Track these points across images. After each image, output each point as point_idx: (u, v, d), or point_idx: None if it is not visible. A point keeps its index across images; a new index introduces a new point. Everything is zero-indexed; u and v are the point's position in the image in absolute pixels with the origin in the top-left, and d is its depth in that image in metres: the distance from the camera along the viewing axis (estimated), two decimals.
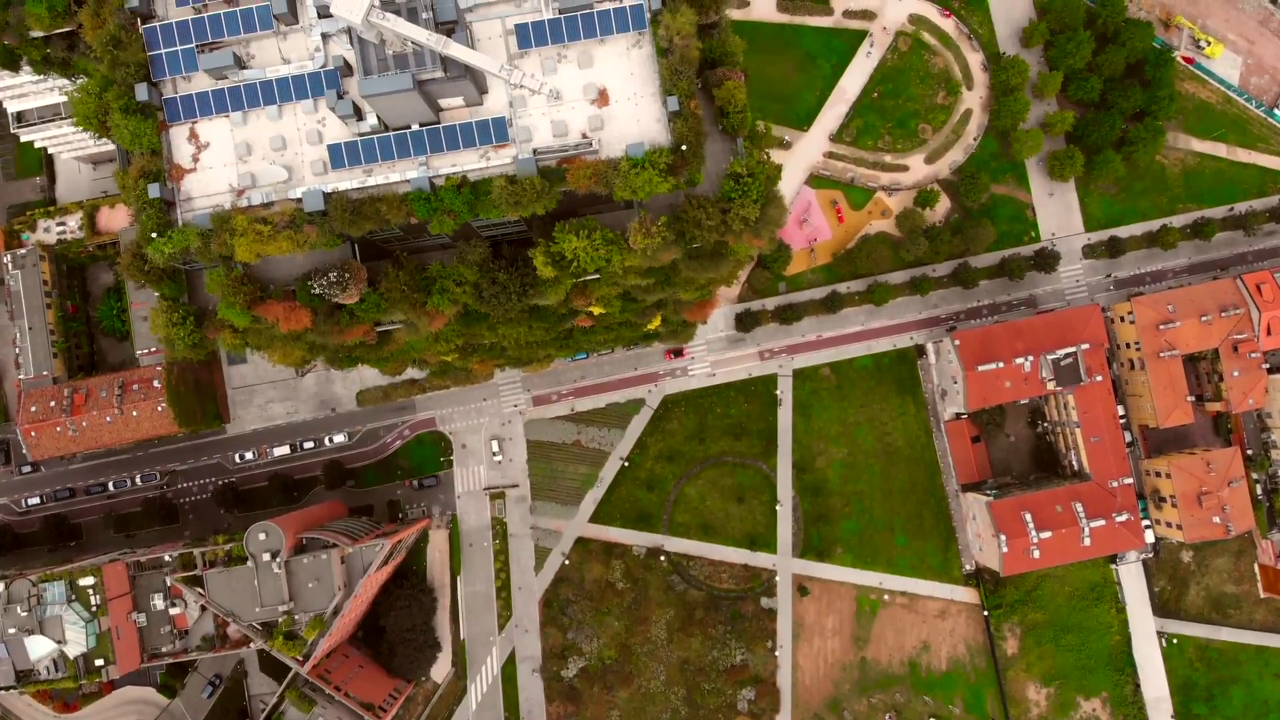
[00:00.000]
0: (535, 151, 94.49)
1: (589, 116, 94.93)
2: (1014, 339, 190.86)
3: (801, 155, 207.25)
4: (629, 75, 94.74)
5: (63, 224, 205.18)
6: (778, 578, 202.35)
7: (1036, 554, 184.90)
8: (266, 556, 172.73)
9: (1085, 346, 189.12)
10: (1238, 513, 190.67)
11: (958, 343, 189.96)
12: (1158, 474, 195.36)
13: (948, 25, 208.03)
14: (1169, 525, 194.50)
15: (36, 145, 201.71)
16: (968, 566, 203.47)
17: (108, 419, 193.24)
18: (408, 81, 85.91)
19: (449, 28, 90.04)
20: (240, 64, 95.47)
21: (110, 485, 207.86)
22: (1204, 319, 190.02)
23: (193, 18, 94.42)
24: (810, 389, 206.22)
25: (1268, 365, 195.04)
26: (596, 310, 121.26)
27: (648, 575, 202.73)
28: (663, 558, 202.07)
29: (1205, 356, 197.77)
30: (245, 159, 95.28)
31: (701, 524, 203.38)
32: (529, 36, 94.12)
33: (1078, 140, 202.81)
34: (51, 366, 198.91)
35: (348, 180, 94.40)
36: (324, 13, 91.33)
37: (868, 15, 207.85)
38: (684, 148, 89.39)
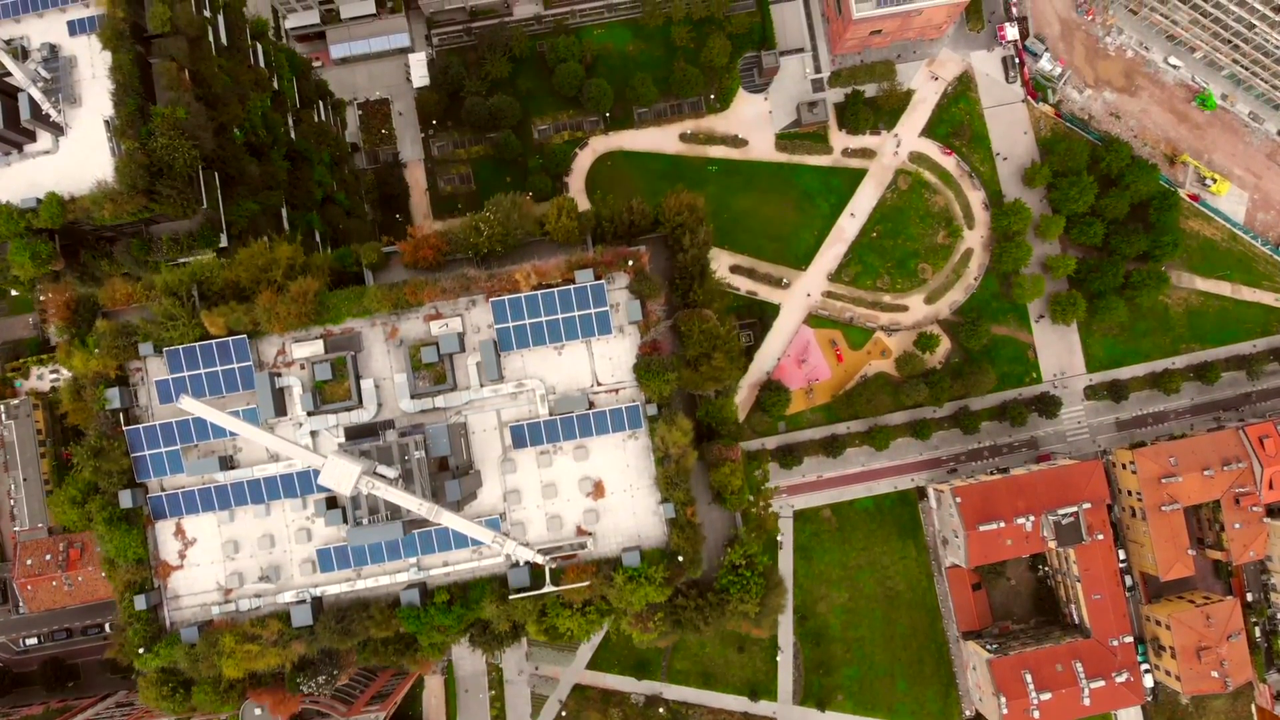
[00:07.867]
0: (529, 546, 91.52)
1: (584, 509, 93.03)
2: (1015, 497, 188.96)
3: (799, 295, 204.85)
4: (625, 466, 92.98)
5: (56, 371, 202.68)
6: None
7: (1036, 715, 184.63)
8: None
9: (1087, 506, 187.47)
10: (1236, 666, 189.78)
11: (959, 500, 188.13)
12: (1157, 622, 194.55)
13: (949, 163, 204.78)
14: (1168, 674, 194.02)
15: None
16: (968, 712, 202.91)
17: (103, 574, 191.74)
18: (398, 530, 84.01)
19: (442, 459, 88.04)
20: (227, 466, 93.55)
21: (107, 627, 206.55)
22: (1206, 472, 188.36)
23: (177, 419, 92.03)
24: (811, 531, 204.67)
25: (1268, 517, 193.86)
26: None
27: None
28: (661, 708, 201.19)
29: (1207, 505, 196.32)
30: (233, 556, 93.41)
31: (701, 671, 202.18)
32: (524, 437, 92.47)
33: (1080, 284, 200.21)
34: (46, 518, 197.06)
35: (337, 584, 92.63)
36: (313, 411, 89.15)
37: (867, 154, 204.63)
38: (680, 558, 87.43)
